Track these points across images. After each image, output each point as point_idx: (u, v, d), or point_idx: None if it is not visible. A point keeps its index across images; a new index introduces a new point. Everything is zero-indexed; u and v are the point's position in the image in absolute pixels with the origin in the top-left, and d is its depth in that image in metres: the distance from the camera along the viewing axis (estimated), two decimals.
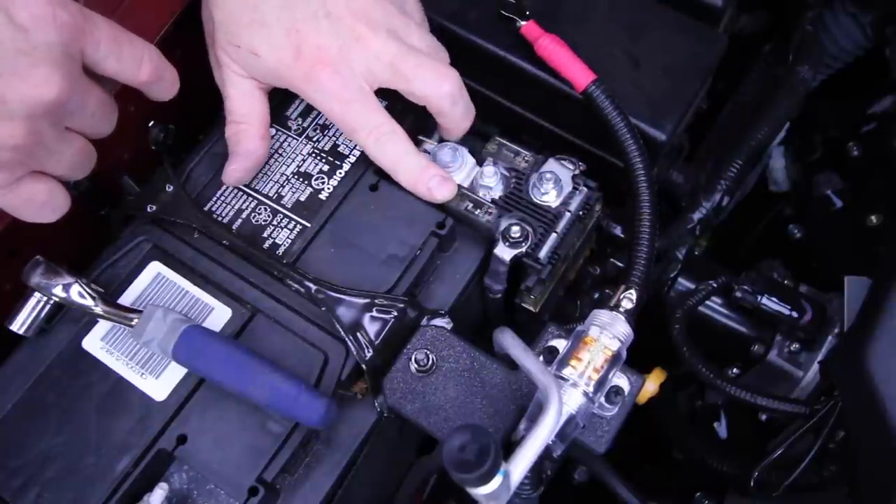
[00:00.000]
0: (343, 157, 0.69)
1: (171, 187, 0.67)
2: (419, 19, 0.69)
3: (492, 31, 0.71)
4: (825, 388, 0.76)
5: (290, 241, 0.66)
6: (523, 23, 0.69)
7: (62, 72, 0.51)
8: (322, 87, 0.63)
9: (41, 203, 0.56)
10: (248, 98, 0.67)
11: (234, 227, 0.67)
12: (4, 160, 0.52)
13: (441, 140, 0.70)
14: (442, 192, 0.65)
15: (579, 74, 0.66)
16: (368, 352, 0.60)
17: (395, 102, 0.67)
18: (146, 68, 0.57)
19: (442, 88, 0.64)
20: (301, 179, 0.68)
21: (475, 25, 0.72)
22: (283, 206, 0.67)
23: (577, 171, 0.67)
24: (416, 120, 0.69)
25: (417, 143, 0.69)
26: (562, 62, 0.67)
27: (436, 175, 0.65)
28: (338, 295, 0.62)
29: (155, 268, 0.65)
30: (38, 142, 0.52)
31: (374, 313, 0.62)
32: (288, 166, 0.69)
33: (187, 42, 0.71)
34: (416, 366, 0.60)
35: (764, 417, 0.86)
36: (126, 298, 0.64)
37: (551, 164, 0.67)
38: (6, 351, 0.63)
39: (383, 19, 0.64)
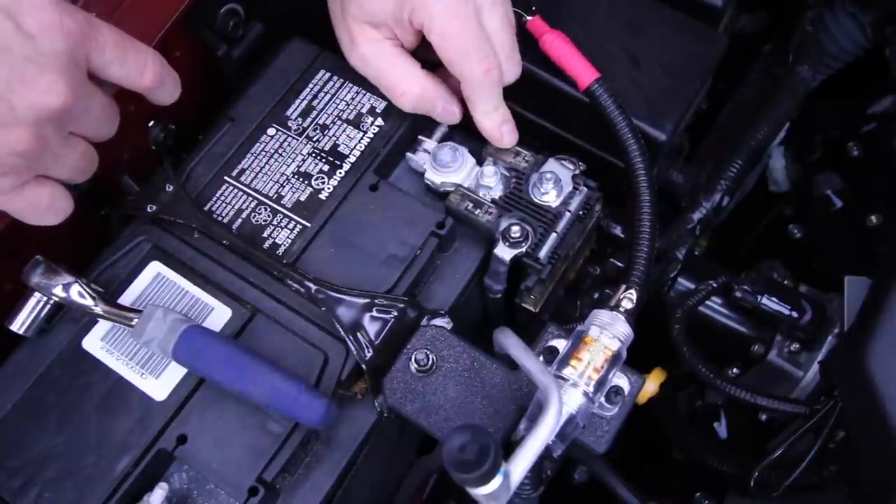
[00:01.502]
0: (343, 157, 0.69)
1: (171, 187, 0.67)
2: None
3: None
4: (825, 388, 0.76)
5: (290, 241, 0.66)
6: (529, 18, 0.69)
7: (68, 79, 0.51)
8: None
9: (45, 207, 0.56)
10: (397, 59, 0.67)
11: (234, 227, 0.66)
12: (11, 165, 0.52)
13: (441, 140, 0.70)
14: (511, 138, 0.68)
15: (583, 72, 0.66)
16: (368, 352, 0.60)
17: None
18: (149, 74, 0.57)
19: (512, 77, 0.67)
20: (301, 179, 0.68)
21: None
22: (283, 206, 0.67)
23: (577, 171, 0.67)
24: (416, 119, 0.69)
25: (417, 143, 0.69)
26: (566, 59, 0.67)
27: (511, 122, 0.68)
28: (338, 295, 0.62)
29: (155, 268, 0.65)
30: (44, 147, 0.53)
31: (374, 313, 0.62)
32: (288, 166, 0.69)
33: (187, 43, 0.71)
34: (416, 366, 0.60)
35: (764, 417, 0.86)
36: (126, 298, 0.64)
37: (551, 164, 0.67)
38: (6, 351, 0.63)
39: None
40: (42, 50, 0.50)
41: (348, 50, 0.68)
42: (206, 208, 0.67)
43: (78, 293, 0.60)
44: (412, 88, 0.67)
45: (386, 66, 0.67)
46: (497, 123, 0.67)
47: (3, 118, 0.50)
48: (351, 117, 0.71)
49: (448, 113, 0.68)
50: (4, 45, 0.49)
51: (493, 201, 0.67)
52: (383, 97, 0.69)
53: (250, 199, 0.68)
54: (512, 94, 0.73)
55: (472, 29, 0.63)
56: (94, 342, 0.62)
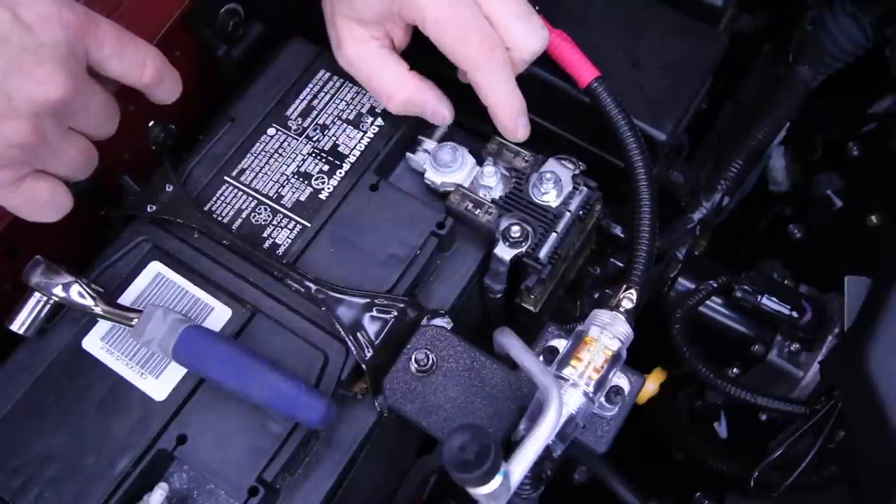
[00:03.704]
0: (343, 157, 0.69)
1: (171, 187, 0.67)
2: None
3: None
4: (825, 388, 0.76)
5: (290, 240, 0.66)
6: None
7: (67, 71, 0.51)
8: None
9: (43, 202, 0.56)
10: (383, 61, 0.64)
11: (234, 227, 0.66)
12: (9, 158, 0.52)
13: (442, 140, 0.70)
14: (525, 132, 0.66)
15: (583, 70, 0.66)
16: (368, 352, 0.60)
17: None
18: (149, 70, 0.57)
19: (534, 45, 0.63)
20: (301, 179, 0.68)
21: None
22: (283, 206, 0.67)
23: (577, 171, 0.67)
24: (415, 119, 0.69)
25: (417, 143, 0.69)
26: (567, 57, 0.67)
27: (526, 115, 0.65)
28: (338, 295, 0.62)
29: (155, 268, 0.65)
30: (42, 140, 0.52)
31: (374, 313, 0.62)
32: (288, 166, 0.69)
33: (187, 43, 0.71)
34: (416, 366, 0.60)
35: (764, 417, 0.86)
36: (126, 298, 0.64)
37: (551, 164, 0.67)
38: (6, 351, 0.63)
39: None
40: (41, 41, 0.50)
41: (336, 51, 0.66)
42: (206, 208, 0.67)
43: (78, 293, 0.60)
44: (400, 92, 0.65)
45: (372, 69, 0.65)
46: (512, 114, 0.64)
47: (0, 109, 0.50)
48: (351, 117, 0.71)
49: (438, 115, 0.67)
50: (2, 35, 0.49)
51: (493, 201, 0.67)
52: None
53: (250, 198, 0.68)
54: None
55: (466, 10, 0.60)
56: (94, 342, 0.62)
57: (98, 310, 0.60)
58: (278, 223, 0.67)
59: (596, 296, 0.81)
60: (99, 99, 0.55)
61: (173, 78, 0.60)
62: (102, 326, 0.63)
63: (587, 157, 0.70)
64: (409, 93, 0.65)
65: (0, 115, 0.50)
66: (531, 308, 0.72)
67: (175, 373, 0.61)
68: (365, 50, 0.64)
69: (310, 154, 0.69)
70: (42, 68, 0.50)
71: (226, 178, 0.68)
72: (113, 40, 0.55)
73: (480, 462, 0.45)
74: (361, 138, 0.70)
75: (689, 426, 0.90)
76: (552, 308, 0.75)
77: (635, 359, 0.61)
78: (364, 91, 0.71)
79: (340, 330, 0.61)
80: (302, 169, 0.69)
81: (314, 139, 0.70)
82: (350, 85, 0.71)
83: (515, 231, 0.64)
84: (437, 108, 0.66)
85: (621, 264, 0.79)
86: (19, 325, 0.60)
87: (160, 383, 0.61)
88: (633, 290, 0.62)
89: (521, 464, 0.51)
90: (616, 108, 0.66)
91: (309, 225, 0.66)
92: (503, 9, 0.61)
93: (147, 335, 0.59)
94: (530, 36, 0.63)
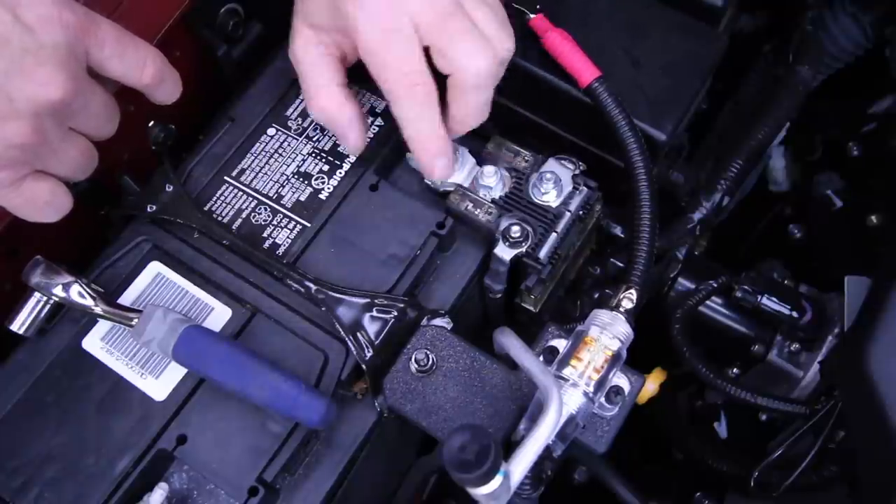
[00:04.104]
0: (343, 157, 0.69)
1: (171, 187, 0.67)
2: (498, 10, 0.64)
3: None
4: (825, 388, 0.76)
5: (290, 240, 0.66)
6: (532, 16, 0.69)
7: (67, 71, 0.51)
8: (369, 11, 0.58)
9: (43, 203, 0.56)
10: (320, 67, 0.64)
11: (234, 227, 0.66)
12: (9, 158, 0.52)
13: None
14: (441, 173, 0.64)
15: (584, 70, 0.66)
16: (368, 352, 0.60)
17: None
18: (149, 70, 0.57)
19: (476, 63, 0.59)
20: (301, 179, 0.68)
21: None
22: (283, 206, 0.67)
23: (577, 171, 0.67)
24: None
25: None
26: (568, 57, 0.67)
27: (448, 154, 0.63)
28: (338, 295, 0.62)
29: (155, 268, 0.65)
30: (43, 141, 0.53)
31: (374, 313, 0.62)
32: (288, 166, 0.69)
33: (187, 43, 0.71)
34: (416, 366, 0.60)
35: (764, 417, 0.86)
36: (126, 298, 0.64)
37: (551, 164, 0.67)
38: (6, 351, 0.63)
39: None
40: (41, 42, 0.50)
41: (289, 47, 0.65)
42: (206, 208, 0.67)
43: (78, 293, 0.60)
44: (318, 100, 0.64)
45: (306, 71, 0.64)
46: (428, 153, 0.62)
47: (1, 110, 0.50)
48: None
49: (343, 138, 0.66)
50: (3, 36, 0.49)
51: (493, 201, 0.67)
52: (383, 97, 0.69)
53: (250, 198, 0.68)
54: (513, 94, 0.74)
55: (397, 42, 0.58)
56: (94, 342, 0.62)
57: (98, 310, 0.60)
58: (278, 223, 0.67)
59: (596, 296, 0.81)
60: (99, 99, 0.55)
61: (173, 78, 0.60)
62: (102, 326, 0.63)
63: (587, 157, 0.70)
64: (324, 105, 0.64)
65: (1, 116, 0.50)
66: (531, 308, 0.72)
67: (175, 373, 0.61)
68: (308, 50, 0.64)
69: (310, 154, 0.69)
70: (43, 69, 0.50)
71: (226, 178, 0.68)
72: (113, 41, 0.55)
73: (480, 462, 0.45)
74: None
75: (689, 426, 0.90)
76: (552, 308, 0.75)
77: (635, 359, 0.61)
78: (364, 91, 0.71)
79: (340, 330, 0.61)
80: (302, 169, 0.69)
81: (314, 139, 0.70)
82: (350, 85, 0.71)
83: (515, 231, 0.65)
84: (346, 131, 0.65)
85: (621, 264, 0.79)
86: (19, 325, 0.60)
87: (160, 383, 0.61)
88: (633, 290, 0.62)
89: (521, 464, 0.51)
90: (616, 107, 0.66)
91: (309, 225, 0.66)
92: (441, 33, 0.59)
93: (147, 335, 0.59)
94: (472, 55, 0.60)
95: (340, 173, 0.68)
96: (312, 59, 0.64)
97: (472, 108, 0.62)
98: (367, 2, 0.58)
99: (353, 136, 0.65)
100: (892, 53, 0.88)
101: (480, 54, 0.60)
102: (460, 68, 0.60)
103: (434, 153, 0.63)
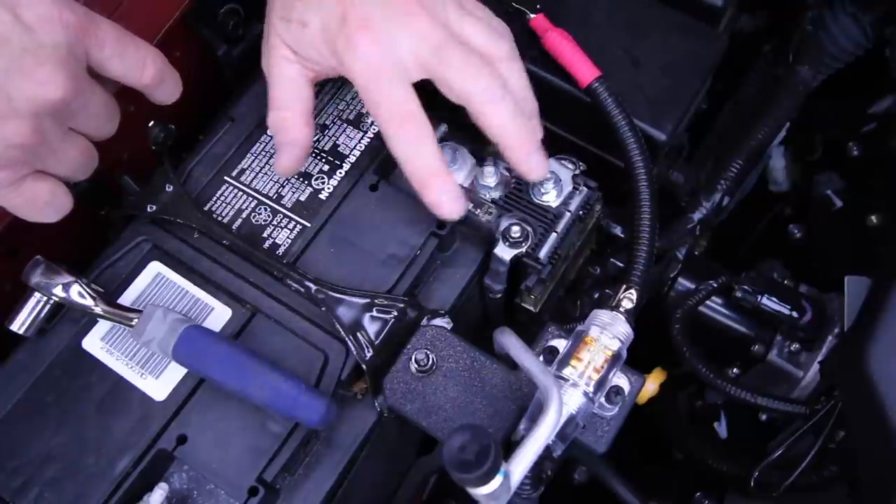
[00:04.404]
0: (343, 157, 0.69)
1: (171, 187, 0.67)
2: (480, 14, 0.64)
3: None
4: (825, 388, 0.76)
5: (290, 240, 0.66)
6: (532, 16, 0.69)
7: (67, 71, 0.51)
8: (358, 53, 0.59)
9: (43, 203, 0.56)
10: (293, 84, 0.64)
11: (234, 227, 0.66)
12: (9, 158, 0.52)
13: (441, 140, 0.70)
14: (450, 209, 0.61)
15: (584, 70, 0.66)
16: (368, 352, 0.60)
17: None
18: (149, 71, 0.57)
19: (478, 85, 0.59)
20: (301, 179, 0.68)
21: None
22: (283, 206, 0.67)
23: (577, 171, 0.67)
24: None
25: None
26: (568, 57, 0.67)
27: (451, 189, 0.61)
28: (338, 295, 0.62)
29: (155, 268, 0.65)
30: (43, 141, 0.53)
31: (374, 313, 0.62)
32: None
33: (187, 43, 0.71)
34: (416, 366, 0.60)
35: (764, 417, 0.86)
36: (126, 298, 0.64)
37: (551, 164, 0.67)
38: (6, 351, 0.63)
39: (438, 4, 0.60)
40: (41, 42, 0.50)
41: (263, 55, 0.65)
42: (206, 208, 0.67)
43: (78, 293, 0.60)
44: (280, 112, 0.64)
45: (279, 83, 0.64)
46: (428, 190, 0.60)
47: (1, 110, 0.50)
48: (351, 117, 0.71)
49: (280, 153, 0.65)
50: (3, 36, 0.49)
51: (493, 201, 0.67)
52: None
53: (250, 198, 0.68)
54: None
55: (387, 81, 0.59)
56: (94, 342, 0.62)
57: (98, 310, 0.60)
58: (278, 223, 0.67)
59: (596, 296, 0.81)
60: (99, 99, 0.55)
61: (173, 79, 0.60)
62: (102, 326, 0.63)
63: (587, 157, 0.70)
64: (283, 119, 0.64)
65: (1, 116, 0.50)
66: (531, 308, 0.72)
67: (175, 373, 0.61)
68: (285, 68, 0.63)
69: (310, 154, 0.69)
70: (42, 69, 0.50)
71: (226, 178, 0.68)
72: (113, 41, 0.55)
73: (480, 462, 0.45)
74: (361, 138, 0.70)
75: (689, 426, 0.89)
76: (552, 308, 0.75)
77: (635, 359, 0.61)
78: None
79: (340, 330, 0.61)
80: (302, 169, 0.69)
81: (314, 139, 0.70)
82: (350, 85, 0.71)
83: (515, 231, 0.65)
84: (286, 149, 0.65)
85: (621, 264, 0.79)
86: (19, 325, 0.60)
87: (160, 383, 0.61)
88: (633, 290, 0.62)
89: (521, 464, 0.51)
90: (616, 107, 0.66)
91: (309, 225, 0.66)
92: (438, 66, 0.59)
93: (147, 335, 0.59)
94: (471, 79, 0.60)
95: (340, 173, 0.68)
96: (289, 76, 0.63)
97: (501, 121, 0.61)
98: (360, 42, 0.58)
99: (288, 157, 0.65)
100: (892, 53, 0.88)
101: (480, 75, 0.60)
102: (466, 95, 0.60)
103: (434, 188, 0.61)
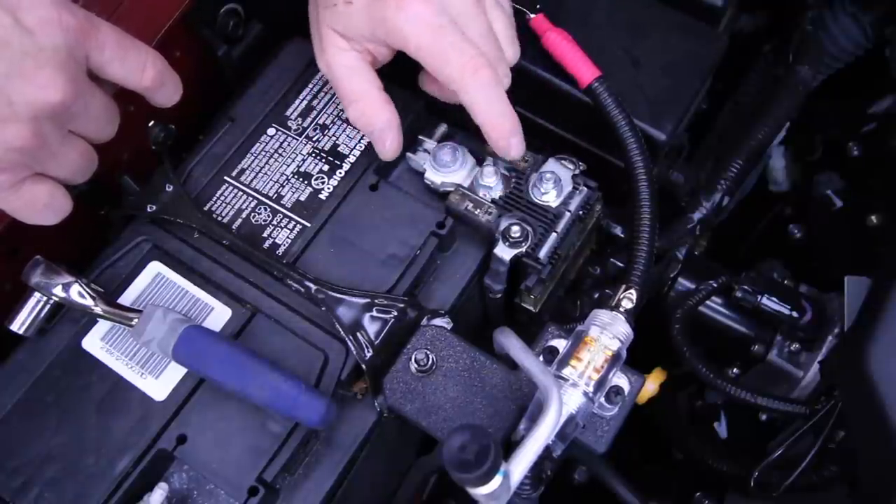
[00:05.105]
0: (343, 157, 0.69)
1: (171, 187, 0.67)
2: (505, 5, 0.67)
3: None
4: (825, 388, 0.76)
5: (290, 240, 0.66)
6: (532, 15, 0.69)
7: (67, 74, 0.51)
8: (412, 14, 0.59)
9: (43, 205, 0.56)
10: (355, 72, 0.64)
11: (233, 227, 0.66)
12: (8, 161, 0.52)
13: (442, 140, 0.70)
14: (518, 151, 0.64)
15: (584, 70, 0.66)
16: (368, 352, 0.60)
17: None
18: (149, 73, 0.57)
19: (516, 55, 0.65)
20: (301, 179, 0.68)
21: None
22: (283, 206, 0.67)
23: (577, 171, 0.67)
24: (416, 119, 0.69)
25: (417, 143, 0.69)
26: (568, 57, 0.67)
27: (519, 134, 0.63)
28: (338, 295, 0.62)
29: (155, 268, 0.65)
30: (42, 144, 0.53)
31: (374, 313, 0.62)
32: (288, 166, 0.69)
33: (187, 43, 0.71)
34: (416, 366, 0.60)
35: (764, 417, 0.86)
36: (126, 298, 0.64)
37: (551, 164, 0.67)
38: (6, 351, 0.63)
39: None
40: (41, 45, 0.50)
41: (317, 54, 0.65)
42: (206, 208, 0.67)
43: (78, 293, 0.60)
44: (357, 103, 0.64)
45: (343, 76, 0.64)
46: (503, 133, 0.63)
47: (1, 113, 0.50)
48: None
49: (379, 141, 0.65)
50: (3, 39, 0.49)
51: (493, 201, 0.67)
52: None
53: (250, 198, 0.68)
54: (512, 94, 0.74)
55: (447, 35, 0.60)
56: (94, 342, 0.62)
57: (98, 310, 0.60)
58: (278, 223, 0.67)
59: (596, 296, 0.81)
60: (99, 102, 0.55)
61: (174, 81, 0.60)
62: (102, 326, 0.63)
63: (587, 157, 0.70)
64: (363, 108, 0.64)
65: (0, 119, 0.50)
66: (531, 308, 0.72)
67: (175, 373, 0.61)
68: (343, 57, 0.64)
69: (310, 154, 0.69)
70: (42, 72, 0.50)
71: (226, 178, 0.68)
72: (113, 44, 0.55)
73: (480, 462, 0.45)
74: (361, 138, 0.70)
75: (689, 426, 0.89)
76: (552, 308, 0.75)
77: (635, 359, 0.61)
78: None
79: (340, 330, 0.61)
80: (302, 169, 0.69)
81: (314, 139, 0.70)
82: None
83: (515, 231, 0.64)
84: (384, 135, 0.65)
85: (621, 264, 0.79)
86: (19, 325, 0.60)
87: (160, 383, 0.61)
88: (633, 290, 0.62)
89: (521, 464, 0.51)
90: (616, 107, 0.66)
91: (309, 225, 0.66)
92: (484, 41, 0.62)
93: (147, 335, 0.59)
94: (511, 50, 0.65)
95: (340, 173, 0.68)
96: (349, 65, 0.64)
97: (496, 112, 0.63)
98: (408, 6, 0.59)
99: (390, 140, 0.65)
100: (892, 53, 0.88)
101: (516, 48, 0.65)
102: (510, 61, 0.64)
103: (509, 132, 0.63)
